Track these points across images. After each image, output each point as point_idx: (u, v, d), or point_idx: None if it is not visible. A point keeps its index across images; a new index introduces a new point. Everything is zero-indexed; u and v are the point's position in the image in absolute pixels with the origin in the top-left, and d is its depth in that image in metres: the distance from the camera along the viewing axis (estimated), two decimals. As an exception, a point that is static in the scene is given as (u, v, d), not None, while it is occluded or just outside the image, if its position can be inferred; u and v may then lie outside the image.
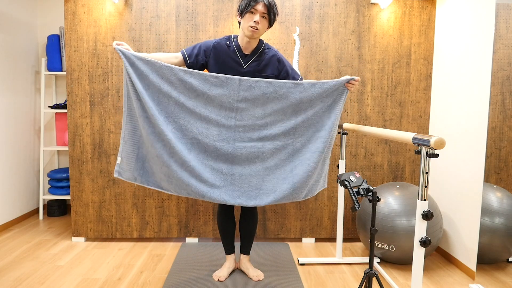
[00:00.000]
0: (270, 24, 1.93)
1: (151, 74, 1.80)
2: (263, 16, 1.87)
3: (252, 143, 1.89)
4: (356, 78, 1.90)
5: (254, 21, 1.85)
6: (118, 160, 1.88)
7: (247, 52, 1.98)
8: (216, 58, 1.98)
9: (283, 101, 1.89)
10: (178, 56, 1.99)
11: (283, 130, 1.91)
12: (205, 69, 2.06)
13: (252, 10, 1.85)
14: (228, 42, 1.99)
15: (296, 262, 2.51)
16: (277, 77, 2.04)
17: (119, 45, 1.81)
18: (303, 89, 1.88)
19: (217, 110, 1.86)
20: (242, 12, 1.89)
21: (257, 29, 1.86)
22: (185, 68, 1.84)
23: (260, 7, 1.84)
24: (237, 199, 1.87)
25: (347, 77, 1.91)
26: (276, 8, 1.92)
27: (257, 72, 1.99)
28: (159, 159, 1.85)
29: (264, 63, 2.00)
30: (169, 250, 2.68)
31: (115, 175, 1.89)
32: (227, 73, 1.97)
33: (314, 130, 1.93)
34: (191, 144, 1.84)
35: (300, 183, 1.89)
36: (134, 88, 1.81)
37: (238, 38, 1.99)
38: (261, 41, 2.02)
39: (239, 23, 1.95)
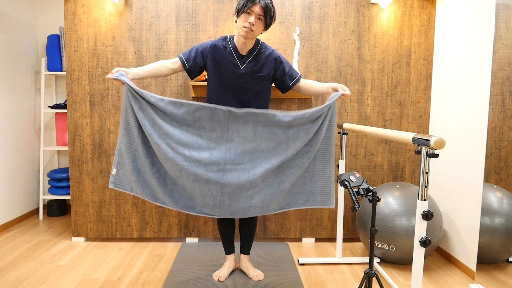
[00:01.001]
0: (266, 27, 1.90)
1: (143, 102, 1.84)
2: (259, 18, 1.84)
3: (243, 165, 1.88)
4: (346, 93, 1.87)
5: (249, 22, 1.82)
6: (113, 171, 1.89)
7: (243, 52, 1.96)
8: (213, 59, 1.97)
9: (273, 125, 1.89)
10: (175, 62, 1.98)
11: (274, 152, 1.90)
12: (204, 71, 2.05)
13: (248, 10, 1.82)
14: (224, 43, 1.97)
15: (296, 262, 2.50)
16: (274, 76, 2.03)
17: (113, 75, 1.79)
18: (292, 119, 1.87)
19: (207, 134, 1.88)
20: (238, 12, 1.86)
21: (251, 30, 1.84)
22: (175, 99, 1.83)
23: (256, 8, 1.81)
24: (227, 215, 1.94)
25: (337, 93, 1.89)
26: (274, 11, 1.89)
27: (254, 72, 1.97)
28: (154, 174, 1.90)
29: (261, 63, 1.98)
30: (169, 250, 2.68)
31: (110, 185, 1.90)
32: (224, 74, 1.96)
33: (302, 146, 1.93)
34: (182, 166, 1.84)
35: (283, 196, 1.96)
36: (132, 107, 1.85)
37: (234, 38, 1.97)
38: (257, 41, 2.00)
39: (236, 22, 1.94)
